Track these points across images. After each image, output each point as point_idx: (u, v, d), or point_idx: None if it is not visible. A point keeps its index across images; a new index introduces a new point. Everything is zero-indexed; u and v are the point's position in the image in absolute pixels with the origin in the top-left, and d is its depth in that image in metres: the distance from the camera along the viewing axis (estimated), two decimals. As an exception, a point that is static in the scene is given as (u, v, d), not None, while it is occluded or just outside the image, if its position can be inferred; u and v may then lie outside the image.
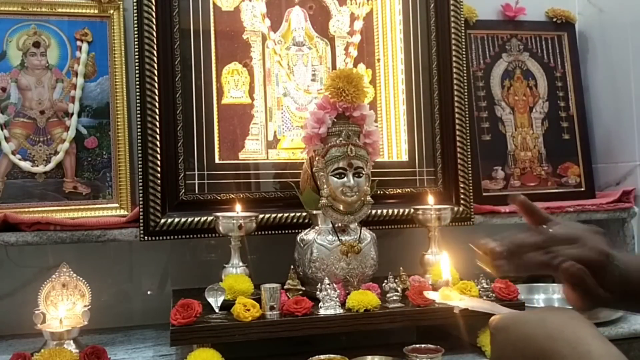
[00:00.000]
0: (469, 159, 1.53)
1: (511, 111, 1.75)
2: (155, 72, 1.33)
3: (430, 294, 0.75)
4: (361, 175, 1.23)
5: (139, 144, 1.32)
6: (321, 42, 1.52)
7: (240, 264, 1.26)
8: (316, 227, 1.27)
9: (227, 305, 1.10)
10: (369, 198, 1.25)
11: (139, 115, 1.33)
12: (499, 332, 0.59)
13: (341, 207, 1.22)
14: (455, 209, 1.48)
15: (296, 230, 1.31)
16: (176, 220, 1.33)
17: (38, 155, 1.39)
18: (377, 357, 1.13)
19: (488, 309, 0.71)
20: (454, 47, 1.55)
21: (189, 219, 1.33)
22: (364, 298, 1.12)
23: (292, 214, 1.38)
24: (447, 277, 0.79)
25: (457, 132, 1.53)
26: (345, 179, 1.21)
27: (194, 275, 1.48)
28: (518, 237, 0.66)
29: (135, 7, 1.33)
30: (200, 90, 1.40)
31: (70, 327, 1.15)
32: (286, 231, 1.36)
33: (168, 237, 1.33)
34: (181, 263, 1.51)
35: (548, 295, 1.56)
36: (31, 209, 1.35)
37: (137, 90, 1.33)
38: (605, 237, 0.67)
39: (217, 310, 1.10)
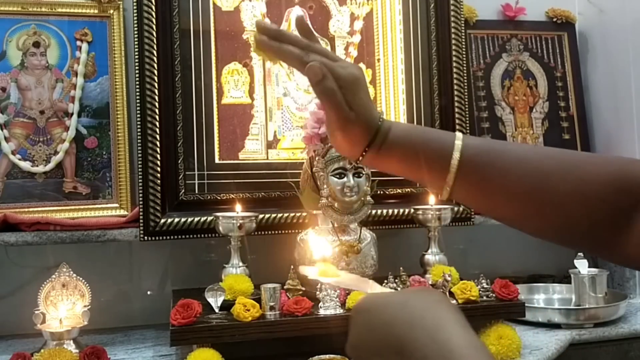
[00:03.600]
0: (469, 159, 1.53)
1: (511, 111, 1.75)
2: (155, 72, 1.33)
3: (305, 270, 0.68)
4: (361, 175, 1.23)
5: (139, 144, 1.32)
6: (321, 42, 1.52)
7: (240, 264, 1.26)
8: (316, 227, 1.27)
9: (227, 305, 1.10)
10: (369, 198, 1.25)
11: (139, 115, 1.33)
12: (358, 315, 0.54)
13: (341, 207, 1.22)
14: (455, 209, 1.48)
15: (296, 230, 1.31)
16: (176, 220, 1.33)
17: (38, 155, 1.39)
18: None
19: (364, 287, 0.65)
20: (454, 47, 1.55)
21: (189, 219, 1.33)
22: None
23: (292, 214, 1.38)
24: (324, 253, 0.72)
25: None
26: (345, 178, 1.21)
27: (194, 275, 1.48)
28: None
29: (135, 7, 1.33)
30: (200, 90, 1.40)
31: (70, 327, 1.15)
32: (286, 231, 1.36)
33: (168, 237, 1.33)
34: (181, 263, 1.51)
35: (548, 295, 1.56)
36: (31, 209, 1.35)
37: (137, 90, 1.33)
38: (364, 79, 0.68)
39: (217, 310, 1.10)
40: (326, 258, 0.67)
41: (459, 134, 0.65)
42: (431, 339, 0.46)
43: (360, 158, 0.67)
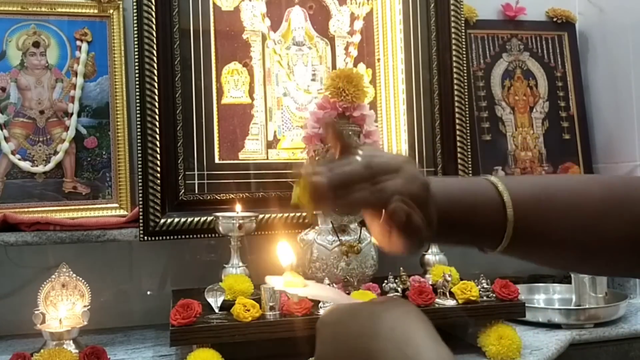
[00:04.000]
0: (469, 159, 1.53)
1: (511, 111, 1.75)
2: (155, 72, 1.33)
3: (272, 280, 0.64)
4: (361, 175, 1.23)
5: (138, 144, 1.32)
6: (321, 41, 1.52)
7: (240, 264, 1.26)
8: (316, 227, 1.27)
9: (227, 305, 1.10)
10: (369, 198, 1.25)
11: (138, 115, 1.33)
12: (325, 327, 0.51)
13: (341, 207, 1.22)
14: (456, 209, 1.48)
15: (296, 230, 1.31)
16: (176, 220, 1.33)
17: (38, 155, 1.39)
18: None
19: (333, 298, 0.62)
20: (454, 47, 1.55)
21: (189, 219, 1.33)
22: (364, 298, 1.12)
23: (292, 214, 1.38)
24: (289, 261, 0.67)
25: (457, 132, 1.53)
26: (345, 179, 1.21)
27: (194, 275, 1.47)
28: (341, 167, 0.54)
29: (135, 7, 1.33)
30: (200, 90, 1.40)
31: (70, 327, 1.15)
32: (286, 231, 1.36)
33: (168, 237, 1.33)
34: (181, 263, 1.51)
35: (548, 296, 1.56)
36: (31, 209, 1.35)
37: (137, 90, 1.33)
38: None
39: (217, 310, 1.10)
40: (293, 267, 0.63)
41: (501, 187, 0.59)
42: (400, 352, 0.44)
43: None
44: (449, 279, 1.19)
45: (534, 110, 1.77)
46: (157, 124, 1.33)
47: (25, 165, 1.37)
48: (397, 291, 1.15)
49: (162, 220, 1.32)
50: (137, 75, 1.33)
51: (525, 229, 0.59)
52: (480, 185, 0.61)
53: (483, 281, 1.21)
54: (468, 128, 1.54)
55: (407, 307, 0.51)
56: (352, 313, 0.51)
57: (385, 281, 1.17)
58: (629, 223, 0.60)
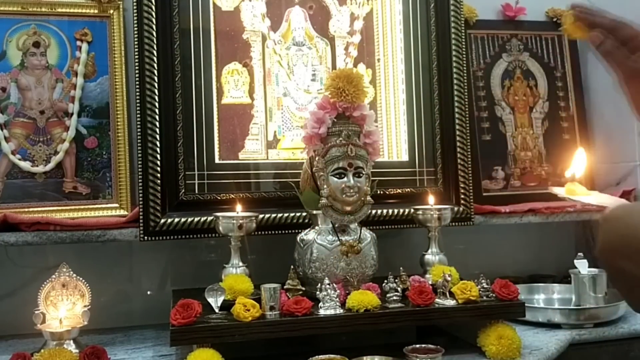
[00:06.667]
0: (469, 159, 1.53)
1: (511, 111, 1.75)
2: (155, 72, 1.33)
3: (555, 189, 0.77)
4: (361, 175, 1.23)
5: (139, 144, 1.32)
6: (321, 42, 1.52)
7: (240, 264, 1.26)
8: (316, 227, 1.27)
9: (227, 305, 1.10)
10: (369, 198, 1.25)
11: (139, 115, 1.33)
12: (607, 221, 0.61)
13: (341, 207, 1.22)
14: (455, 209, 1.48)
15: (296, 230, 1.31)
16: (176, 220, 1.33)
17: (38, 155, 1.39)
18: (377, 357, 1.13)
19: (614, 204, 0.71)
20: (454, 47, 1.55)
21: (189, 219, 1.33)
22: (364, 298, 1.12)
23: (292, 214, 1.38)
24: (574, 171, 0.80)
25: (457, 132, 1.53)
26: (345, 179, 1.21)
27: (194, 275, 1.48)
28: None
29: (135, 7, 1.33)
30: (200, 90, 1.40)
31: (70, 327, 1.15)
32: (286, 231, 1.36)
33: (168, 237, 1.33)
34: (181, 263, 1.51)
35: (548, 296, 1.56)
36: (31, 209, 1.35)
37: (137, 90, 1.33)
38: None
39: (217, 310, 1.10)
40: (574, 177, 0.78)
41: None
42: None
43: None
44: (449, 279, 1.19)
45: (534, 110, 1.77)
46: (157, 124, 1.33)
47: (25, 165, 1.37)
48: (397, 291, 1.15)
49: (162, 220, 1.32)
50: (137, 75, 1.33)
51: None
52: None
53: (483, 281, 1.21)
54: (468, 128, 1.55)
55: None
56: (632, 210, 0.61)
57: (385, 281, 1.17)
58: None
